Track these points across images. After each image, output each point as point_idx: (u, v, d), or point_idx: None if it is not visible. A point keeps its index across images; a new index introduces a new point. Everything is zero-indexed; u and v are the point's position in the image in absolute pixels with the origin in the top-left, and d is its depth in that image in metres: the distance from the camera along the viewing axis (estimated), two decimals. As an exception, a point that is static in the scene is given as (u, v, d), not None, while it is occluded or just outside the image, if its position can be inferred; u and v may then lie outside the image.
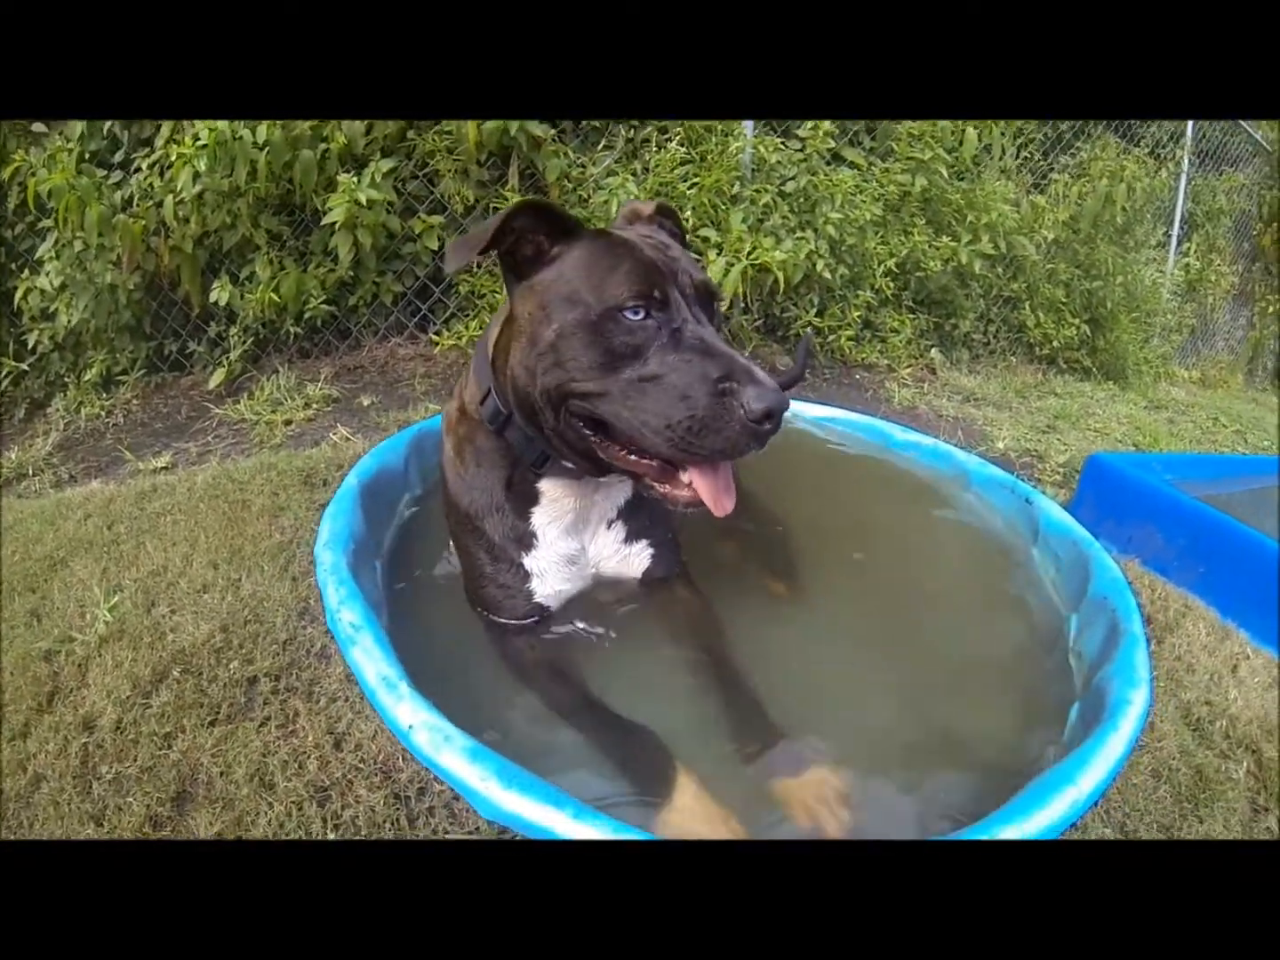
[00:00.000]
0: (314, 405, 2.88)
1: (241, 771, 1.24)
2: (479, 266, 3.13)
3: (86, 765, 1.28)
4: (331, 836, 1.15)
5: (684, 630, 1.42)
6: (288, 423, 2.79)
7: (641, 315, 1.14)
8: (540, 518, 1.35)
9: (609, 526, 1.43)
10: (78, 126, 3.00)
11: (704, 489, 1.15)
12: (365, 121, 2.89)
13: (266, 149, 2.74)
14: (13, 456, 2.98)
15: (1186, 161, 5.47)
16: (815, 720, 1.26)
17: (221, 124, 2.71)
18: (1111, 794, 1.36)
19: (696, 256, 3.04)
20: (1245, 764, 1.50)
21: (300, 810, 1.18)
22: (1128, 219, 4.51)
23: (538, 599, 1.37)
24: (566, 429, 1.21)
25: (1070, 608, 1.58)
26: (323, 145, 2.86)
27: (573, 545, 1.39)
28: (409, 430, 1.83)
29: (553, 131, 2.98)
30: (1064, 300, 4.32)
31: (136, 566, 1.82)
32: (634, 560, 1.46)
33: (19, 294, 3.26)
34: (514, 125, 2.78)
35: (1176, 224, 5.66)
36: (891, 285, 3.50)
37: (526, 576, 1.36)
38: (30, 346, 3.41)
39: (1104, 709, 1.20)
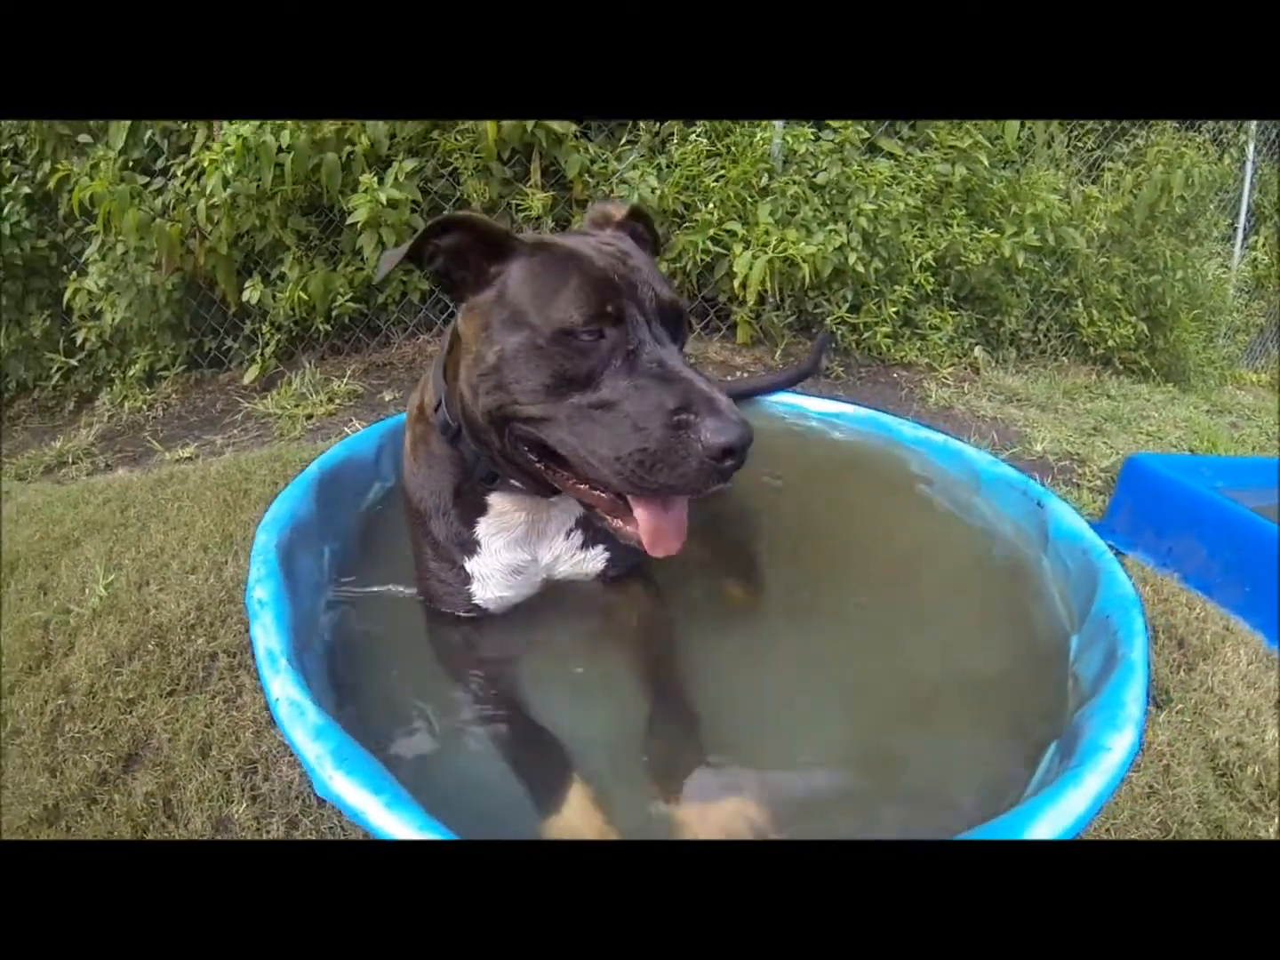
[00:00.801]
0: (337, 400, 2.93)
1: (185, 738, 1.33)
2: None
3: (57, 724, 1.38)
4: (246, 807, 1.22)
5: (630, 632, 1.37)
6: (309, 417, 2.84)
7: (592, 337, 1.05)
8: (486, 528, 1.31)
9: (567, 536, 1.37)
10: (120, 135, 3.10)
11: (644, 530, 1.06)
12: (389, 123, 2.92)
13: (291, 152, 2.78)
14: (56, 445, 3.11)
15: (1252, 148, 5.15)
16: (751, 740, 1.17)
17: (248, 129, 2.78)
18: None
19: (704, 257, 3.00)
20: (1278, 820, 1.31)
21: (227, 779, 1.26)
22: (1187, 209, 4.27)
23: (476, 601, 1.33)
24: (513, 452, 1.14)
25: (1074, 626, 1.40)
26: (348, 147, 2.90)
27: (520, 556, 1.33)
28: (384, 422, 1.83)
29: (574, 127, 2.96)
30: (1119, 297, 4.11)
31: (138, 548, 1.91)
32: (589, 563, 1.40)
33: (68, 294, 3.40)
34: (532, 120, 2.77)
35: (1243, 215, 5.31)
36: (931, 280, 3.37)
37: (467, 579, 1.32)
38: (80, 343, 3.55)
39: (1074, 754, 1.03)
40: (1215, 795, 1.33)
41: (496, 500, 1.28)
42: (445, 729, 1.16)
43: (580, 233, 1.25)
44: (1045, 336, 3.96)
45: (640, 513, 1.06)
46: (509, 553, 1.32)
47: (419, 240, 1.11)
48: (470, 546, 1.31)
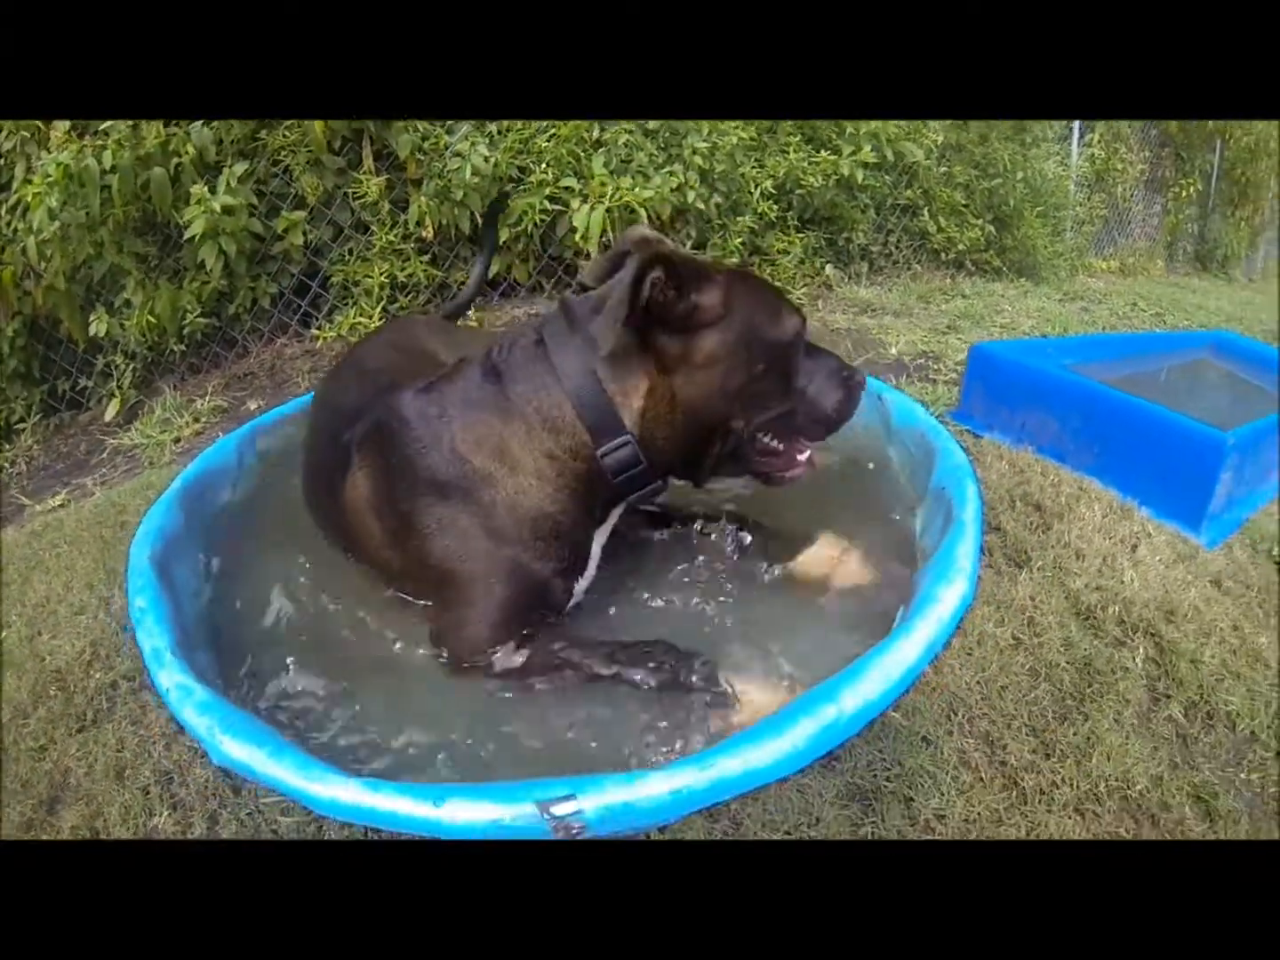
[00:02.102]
0: (202, 419, 2.88)
1: (100, 767, 1.33)
2: (351, 254, 3.11)
3: None
4: (168, 815, 1.24)
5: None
6: (176, 441, 2.78)
7: (803, 337, 1.31)
8: (596, 542, 1.38)
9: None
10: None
11: (807, 456, 1.35)
12: (214, 128, 2.86)
13: (116, 173, 2.71)
14: (-83, 524, 2.97)
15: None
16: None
17: (67, 155, 2.68)
18: (974, 701, 1.31)
19: (543, 217, 3.04)
20: (1142, 650, 1.43)
21: (146, 794, 1.27)
22: (1021, 112, 4.46)
23: (575, 599, 1.39)
24: (748, 448, 1.32)
25: (919, 504, 1.51)
26: (174, 159, 2.82)
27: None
28: (240, 429, 1.85)
29: (397, 107, 2.94)
30: (964, 203, 4.27)
31: (23, 602, 1.88)
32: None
33: (-99, 361, 3.24)
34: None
35: (1075, 118, 5.59)
36: (774, 208, 3.46)
37: (569, 597, 1.36)
38: (-76, 411, 3.39)
39: (907, 609, 1.12)
40: (1080, 636, 1.44)
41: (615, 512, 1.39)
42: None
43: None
44: (896, 248, 4.10)
45: (808, 453, 1.36)
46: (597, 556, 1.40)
47: (638, 282, 1.16)
48: (587, 563, 1.37)
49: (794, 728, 0.90)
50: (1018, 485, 1.91)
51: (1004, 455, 2.07)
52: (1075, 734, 1.27)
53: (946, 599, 1.08)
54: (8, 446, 3.30)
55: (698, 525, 1.50)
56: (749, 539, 1.46)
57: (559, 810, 0.83)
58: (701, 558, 1.44)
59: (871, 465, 1.69)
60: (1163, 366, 2.94)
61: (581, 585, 1.36)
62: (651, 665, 1.19)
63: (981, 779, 1.21)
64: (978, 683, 1.34)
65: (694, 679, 1.17)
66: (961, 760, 1.23)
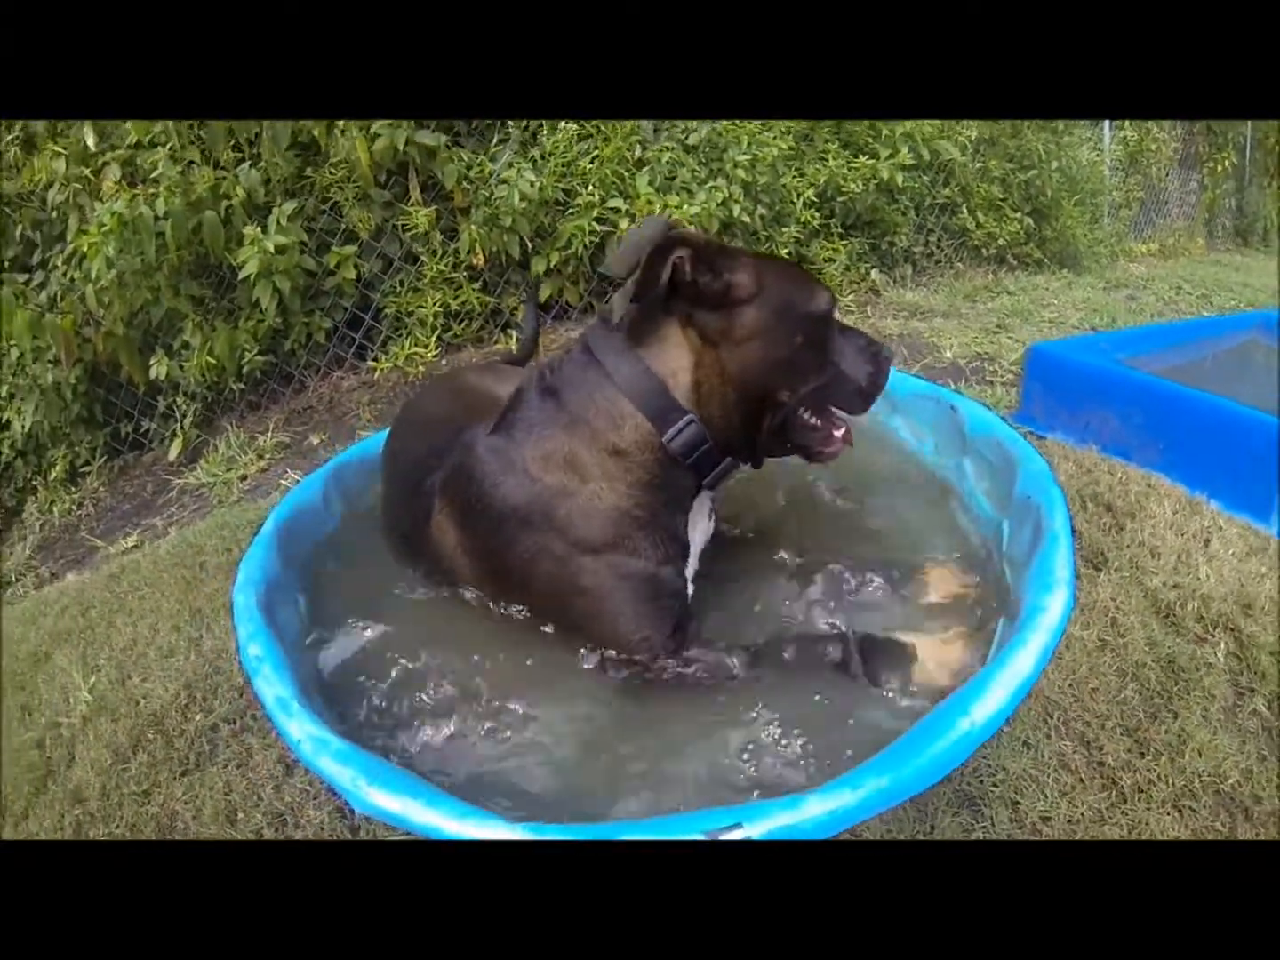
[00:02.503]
0: (266, 456, 2.91)
1: (209, 811, 1.33)
2: (403, 285, 3.15)
3: (79, 832, 1.38)
4: None
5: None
6: (243, 478, 2.82)
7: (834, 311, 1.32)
8: (693, 533, 1.38)
9: (710, 515, 1.46)
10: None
11: (846, 428, 1.36)
12: (263, 170, 2.90)
13: (169, 219, 2.75)
14: (-5, 568, 3.04)
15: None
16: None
17: (120, 205, 2.73)
18: (1068, 704, 1.32)
19: (592, 239, 3.05)
20: (1223, 645, 1.43)
21: (259, 837, 1.28)
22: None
23: (689, 602, 1.36)
24: (793, 420, 1.32)
25: (1002, 514, 1.47)
26: (225, 202, 2.87)
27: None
28: (325, 467, 1.86)
29: (444, 138, 2.97)
30: (1001, 196, 4.26)
31: (110, 645, 1.89)
32: (710, 524, 1.48)
33: (-31, 411, 3.32)
34: (402, 140, 2.78)
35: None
36: (816, 216, 3.46)
37: (686, 582, 1.35)
38: (-7, 458, 3.47)
39: (1017, 621, 1.11)
40: (1162, 635, 1.44)
41: (697, 501, 1.38)
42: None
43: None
44: (938, 247, 4.09)
45: (845, 427, 1.36)
46: (697, 547, 1.40)
47: (656, 261, 1.17)
48: (686, 552, 1.37)
49: (933, 745, 0.91)
50: (1087, 486, 1.91)
51: (1070, 456, 2.07)
52: (1167, 731, 1.28)
53: (1053, 607, 1.09)
54: (75, 489, 3.37)
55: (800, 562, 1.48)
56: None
57: (726, 838, 0.84)
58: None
59: (948, 478, 1.68)
60: (1213, 352, 2.90)
61: (689, 573, 1.35)
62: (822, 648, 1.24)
63: (1081, 780, 1.23)
64: (1069, 685, 1.36)
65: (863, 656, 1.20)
66: (1061, 762, 1.25)
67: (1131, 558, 1.63)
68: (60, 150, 2.96)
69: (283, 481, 2.67)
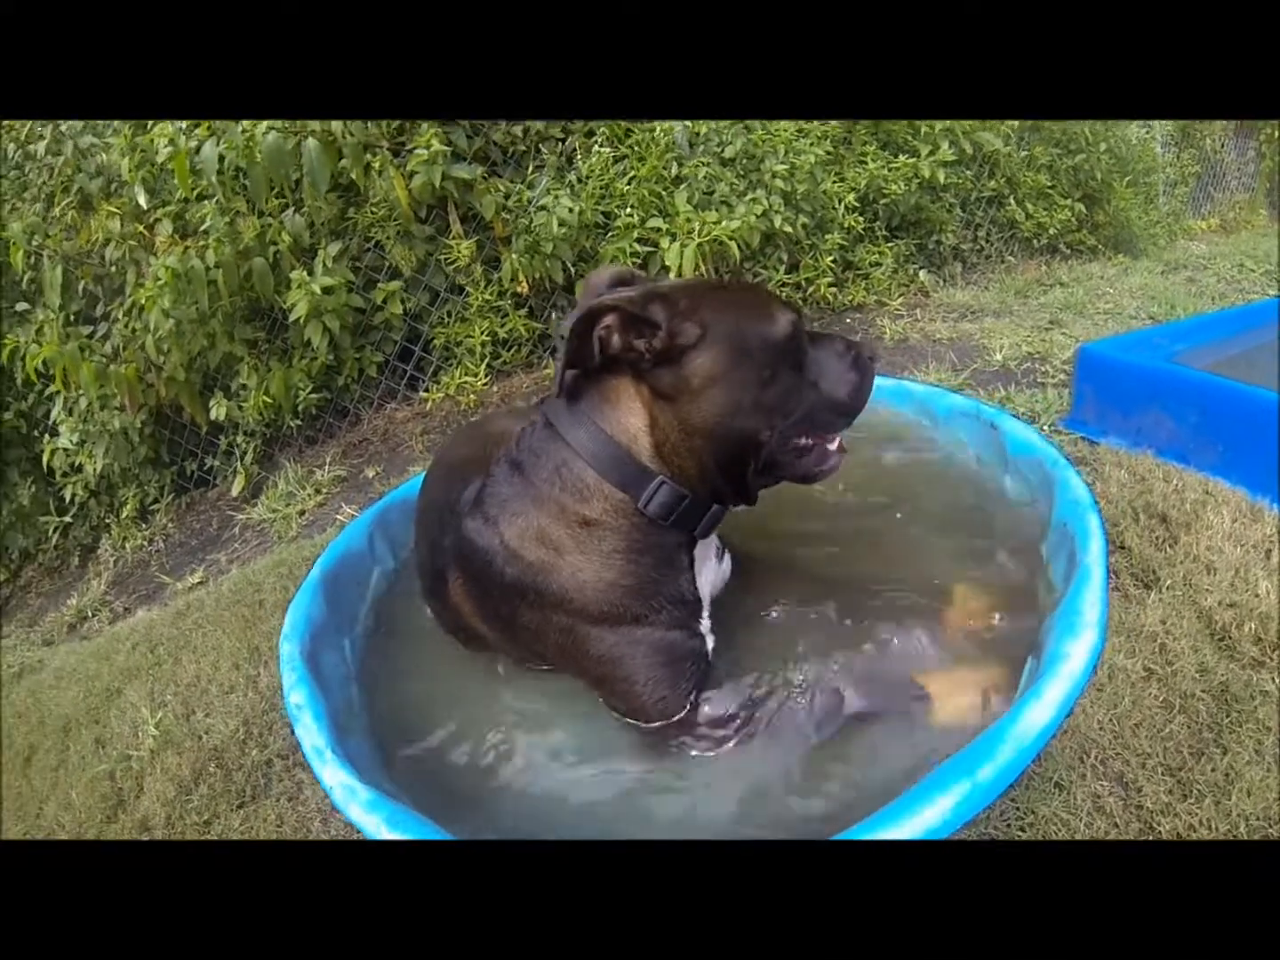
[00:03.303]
0: (323, 490, 2.98)
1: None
2: (450, 316, 3.19)
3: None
4: None
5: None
6: (301, 513, 2.90)
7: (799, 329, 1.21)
8: (702, 583, 1.33)
9: (719, 556, 1.42)
10: (54, 294, 3.16)
11: (837, 444, 1.28)
12: (306, 214, 2.97)
13: (220, 269, 2.84)
14: (72, 603, 3.19)
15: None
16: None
17: (172, 260, 2.84)
18: (1106, 741, 1.24)
19: (651, 249, 3.04)
20: None
21: None
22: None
23: (709, 658, 1.32)
24: (780, 454, 1.25)
25: (1041, 538, 1.40)
26: (272, 248, 2.95)
27: (710, 597, 1.37)
28: (369, 511, 1.89)
29: (480, 170, 3.00)
30: (1049, 184, 4.14)
31: (176, 681, 1.98)
32: (725, 571, 1.44)
33: (46, 456, 3.47)
34: (438, 175, 2.82)
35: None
36: (860, 220, 3.41)
37: (703, 640, 1.31)
38: (69, 499, 3.62)
39: (1038, 668, 1.06)
40: (1214, 661, 1.34)
41: (699, 549, 1.32)
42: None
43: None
44: (987, 242, 4.00)
45: (838, 440, 1.28)
46: (708, 596, 1.35)
47: (582, 337, 1.16)
48: (698, 610, 1.31)
49: (932, 804, 0.88)
50: (1139, 495, 1.81)
51: (1123, 462, 1.96)
52: (1213, 770, 1.19)
53: (1076, 654, 1.03)
54: (145, 526, 3.50)
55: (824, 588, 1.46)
56: None
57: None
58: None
59: (990, 498, 1.64)
60: (1275, 338, 2.77)
61: (704, 625, 1.31)
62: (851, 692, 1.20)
63: (1116, 824, 1.16)
64: (1110, 720, 1.28)
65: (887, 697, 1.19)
66: (1095, 805, 1.18)
67: (1185, 574, 1.54)
68: (115, 210, 3.08)
69: (338, 516, 2.73)
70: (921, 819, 0.87)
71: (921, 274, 3.59)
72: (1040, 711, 0.96)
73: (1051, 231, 4.09)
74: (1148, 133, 5.06)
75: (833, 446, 1.28)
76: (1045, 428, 2.17)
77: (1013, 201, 4.03)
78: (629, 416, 1.23)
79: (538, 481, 1.27)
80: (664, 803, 1.17)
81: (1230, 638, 1.39)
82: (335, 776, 1.15)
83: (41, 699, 2.28)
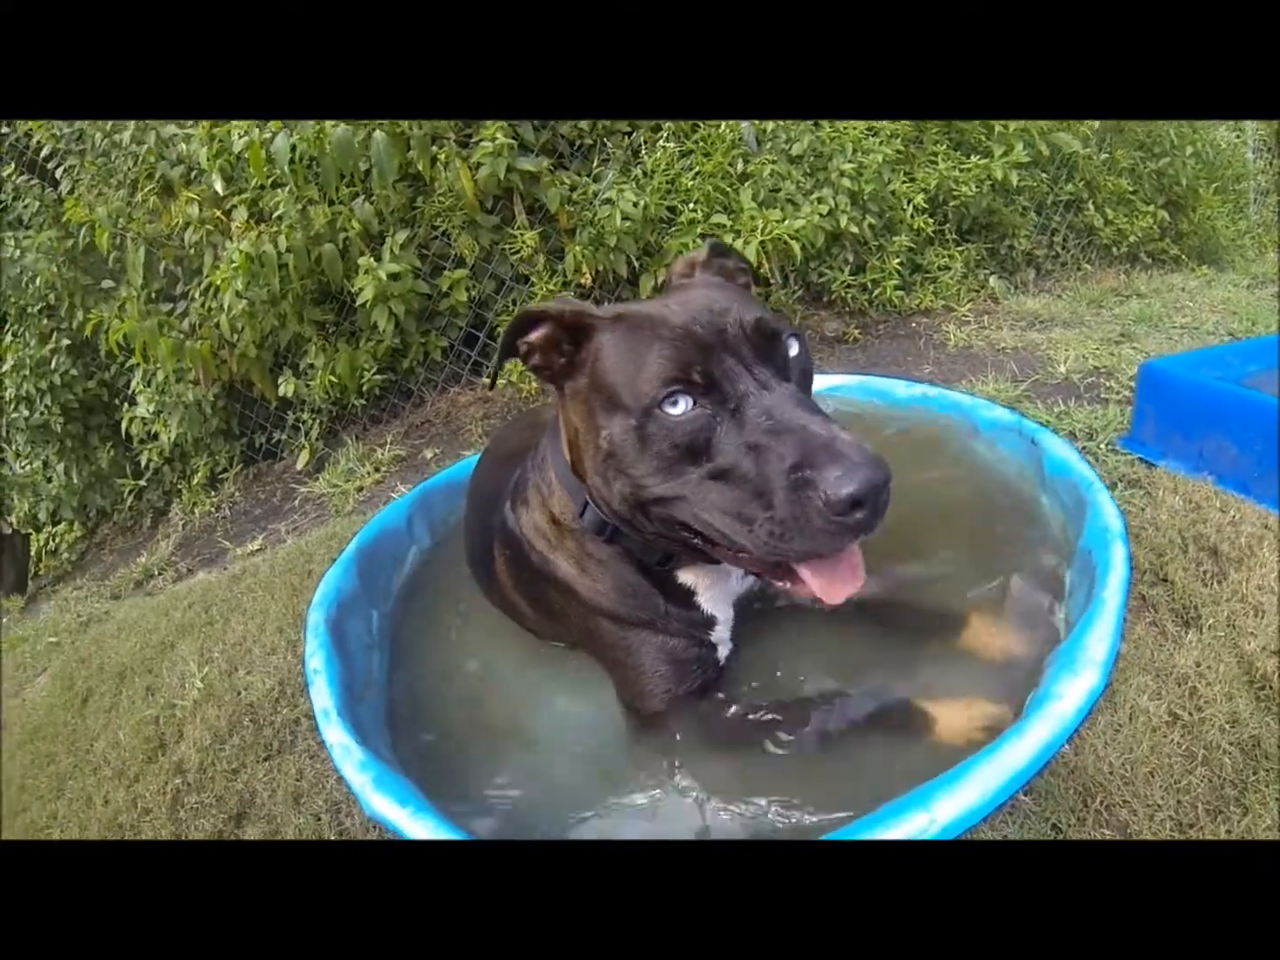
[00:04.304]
0: (382, 468, 3.07)
1: (281, 793, 1.50)
2: (515, 305, 3.24)
3: (177, 799, 1.58)
4: (332, 838, 1.37)
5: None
6: (359, 490, 2.99)
7: (688, 406, 0.98)
8: (708, 601, 1.28)
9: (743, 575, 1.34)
10: (137, 273, 3.30)
11: (815, 584, 1.00)
12: (375, 203, 3.05)
13: (291, 254, 2.94)
14: (141, 561, 3.35)
15: None
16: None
17: (247, 244, 2.95)
18: (1115, 787, 1.15)
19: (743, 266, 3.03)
20: None
21: (317, 820, 1.42)
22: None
23: (722, 664, 1.30)
24: (666, 531, 1.09)
25: (1069, 564, 1.36)
26: (342, 235, 3.03)
27: (731, 610, 1.33)
28: (411, 493, 1.97)
29: (546, 163, 3.03)
30: (1131, 189, 3.99)
31: (224, 641, 2.10)
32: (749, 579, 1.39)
33: (125, 423, 3.67)
34: (504, 168, 2.86)
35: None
36: (929, 222, 3.34)
37: (713, 647, 1.29)
38: (144, 465, 3.82)
39: (1031, 701, 1.01)
40: (1249, 712, 1.23)
41: (686, 575, 1.25)
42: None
43: (672, 288, 1.23)
44: (1063, 248, 3.88)
45: (805, 572, 0.99)
46: (727, 609, 1.30)
47: (505, 347, 1.13)
48: (709, 622, 1.27)
49: (882, 832, 0.86)
50: (1191, 524, 1.71)
51: (1178, 487, 1.87)
52: (1228, 832, 1.09)
53: (1070, 695, 0.97)
54: (214, 494, 3.64)
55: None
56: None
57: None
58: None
59: (1024, 519, 1.59)
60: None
61: (716, 634, 1.30)
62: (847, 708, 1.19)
63: None
64: (1123, 765, 1.19)
65: (886, 710, 1.17)
66: None
67: (1229, 615, 1.43)
68: (194, 196, 3.20)
69: (393, 494, 2.80)
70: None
71: (992, 280, 3.50)
72: (1017, 752, 0.90)
73: (1132, 239, 3.94)
74: (1238, 137, 4.84)
75: (806, 575, 1.01)
76: (1102, 446, 2.10)
77: (1091, 206, 3.90)
78: (564, 428, 1.22)
79: (537, 480, 1.35)
80: (659, 801, 1.20)
81: (1270, 688, 1.28)
82: (336, 736, 1.24)
83: (104, 647, 2.42)
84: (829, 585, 0.99)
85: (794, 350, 1.08)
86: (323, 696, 1.33)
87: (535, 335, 1.13)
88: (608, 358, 1.07)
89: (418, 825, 1.03)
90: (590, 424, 1.09)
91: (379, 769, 1.14)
